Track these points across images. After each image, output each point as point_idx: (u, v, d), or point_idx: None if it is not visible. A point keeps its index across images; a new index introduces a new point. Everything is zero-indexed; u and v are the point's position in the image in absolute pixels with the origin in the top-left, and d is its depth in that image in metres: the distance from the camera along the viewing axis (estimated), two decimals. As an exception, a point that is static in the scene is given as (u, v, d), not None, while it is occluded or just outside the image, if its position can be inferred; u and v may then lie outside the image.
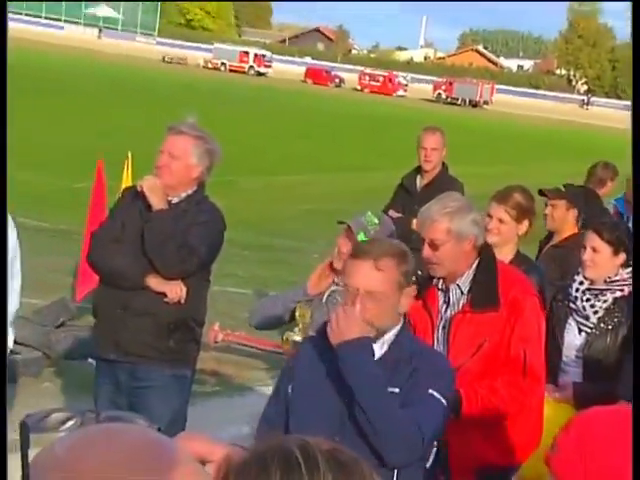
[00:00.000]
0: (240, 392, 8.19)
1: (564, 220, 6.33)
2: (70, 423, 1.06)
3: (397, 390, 3.32)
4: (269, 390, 7.68)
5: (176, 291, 4.85)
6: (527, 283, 4.50)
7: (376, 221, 4.57)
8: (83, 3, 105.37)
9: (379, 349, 3.42)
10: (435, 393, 3.30)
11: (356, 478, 1.44)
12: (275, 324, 4.92)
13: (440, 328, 4.25)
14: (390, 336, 3.43)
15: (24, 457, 1.02)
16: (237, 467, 1.44)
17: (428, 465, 3.54)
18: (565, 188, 6.44)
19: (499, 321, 4.18)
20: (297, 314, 4.35)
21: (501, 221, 5.34)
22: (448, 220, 4.21)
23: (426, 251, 4.21)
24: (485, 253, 4.32)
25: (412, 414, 3.26)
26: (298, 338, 4.32)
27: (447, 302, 4.26)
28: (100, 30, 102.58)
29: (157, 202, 4.85)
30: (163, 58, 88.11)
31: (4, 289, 4.59)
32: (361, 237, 4.48)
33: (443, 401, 3.31)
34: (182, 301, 4.87)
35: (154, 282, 4.85)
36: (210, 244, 4.97)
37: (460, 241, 4.20)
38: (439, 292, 4.30)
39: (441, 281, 4.29)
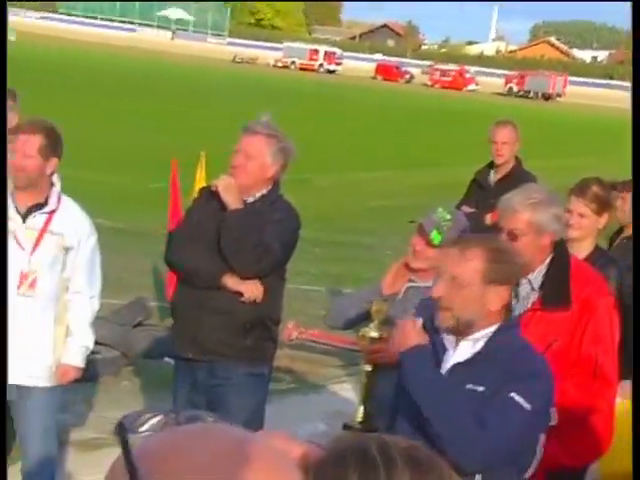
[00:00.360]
0: (315, 390, 8.20)
1: None
2: (154, 421, 1.06)
3: (481, 388, 3.27)
4: (344, 387, 7.72)
5: (252, 290, 4.86)
6: (602, 282, 4.41)
7: (448, 217, 4.51)
8: (155, 4, 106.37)
9: (470, 347, 3.37)
10: (517, 397, 3.20)
11: (434, 476, 1.43)
12: (351, 324, 4.89)
13: None
14: (483, 334, 3.36)
15: (128, 456, 1.02)
16: (315, 465, 1.43)
17: (527, 475, 3.46)
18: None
19: (570, 321, 4.11)
20: (373, 310, 4.30)
21: (582, 215, 5.26)
22: (530, 211, 4.13)
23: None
24: (560, 249, 4.24)
25: (482, 417, 3.20)
26: (374, 334, 4.27)
27: (516, 296, 4.19)
28: (174, 32, 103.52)
29: (232, 202, 4.86)
30: (234, 58, 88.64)
31: (4, 288, 4.63)
32: (435, 235, 4.43)
33: (526, 406, 3.20)
34: (258, 300, 4.88)
35: (231, 281, 4.87)
36: (285, 242, 4.96)
37: (539, 234, 4.13)
38: None
39: None
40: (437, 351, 3.46)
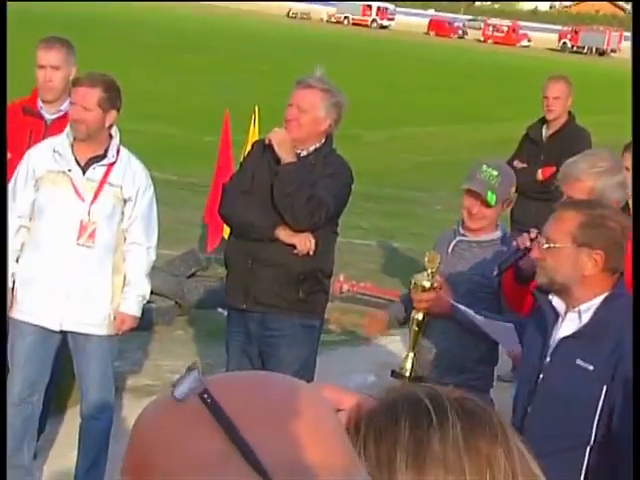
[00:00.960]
0: (365, 342, 8.21)
1: None
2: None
3: (591, 367, 3.23)
4: (394, 340, 7.71)
5: (305, 243, 4.87)
6: None
7: (495, 173, 4.46)
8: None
9: (576, 320, 3.34)
10: None
11: (485, 427, 1.43)
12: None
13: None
14: (589, 306, 3.32)
15: (220, 413, 1.03)
16: (367, 415, 1.44)
17: None
18: None
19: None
20: (426, 259, 4.31)
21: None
22: (594, 180, 4.10)
23: None
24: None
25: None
26: (427, 283, 4.28)
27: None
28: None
29: (286, 155, 4.87)
30: (288, 13, 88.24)
31: (4, 286, 4.67)
32: (490, 197, 4.39)
33: None
34: (311, 253, 4.89)
35: (284, 234, 4.88)
36: (338, 196, 4.96)
37: (605, 200, 4.01)
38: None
39: None
40: (545, 314, 3.44)
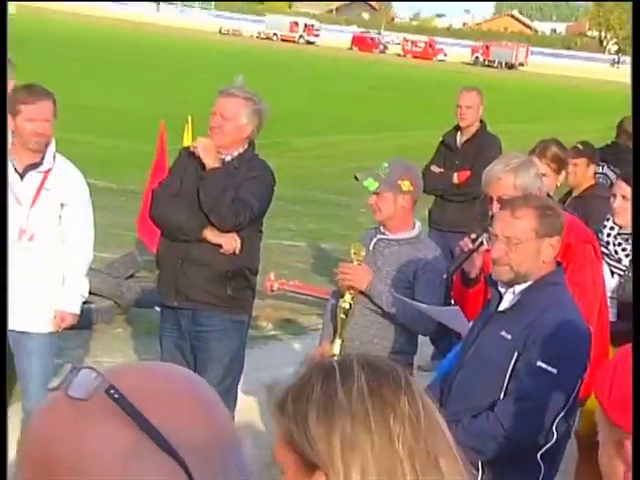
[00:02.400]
0: (296, 336, 8.22)
1: (584, 176, 6.41)
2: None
3: (509, 337, 3.37)
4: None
5: (231, 242, 4.87)
6: (584, 231, 4.46)
7: (385, 165, 4.50)
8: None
9: (510, 299, 3.44)
10: (543, 364, 3.28)
11: (389, 377, 1.49)
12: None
13: None
14: (521, 287, 3.43)
15: (128, 406, 1.01)
16: (288, 384, 1.52)
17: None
18: (583, 146, 6.49)
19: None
20: (352, 251, 4.35)
21: (543, 175, 5.28)
22: (513, 176, 4.18)
23: (495, 207, 4.14)
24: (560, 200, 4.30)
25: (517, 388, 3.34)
26: (346, 305, 4.37)
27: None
28: (158, 3, 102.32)
29: (211, 161, 4.87)
30: (220, 30, 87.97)
31: (4, 287, 4.58)
32: (369, 182, 4.43)
33: (550, 369, 3.28)
34: (237, 252, 4.87)
35: (210, 235, 4.87)
36: (261, 198, 4.96)
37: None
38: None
39: None
40: (492, 297, 3.57)
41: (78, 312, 5.07)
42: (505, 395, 3.39)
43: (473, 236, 4.05)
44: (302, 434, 1.45)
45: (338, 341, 4.44)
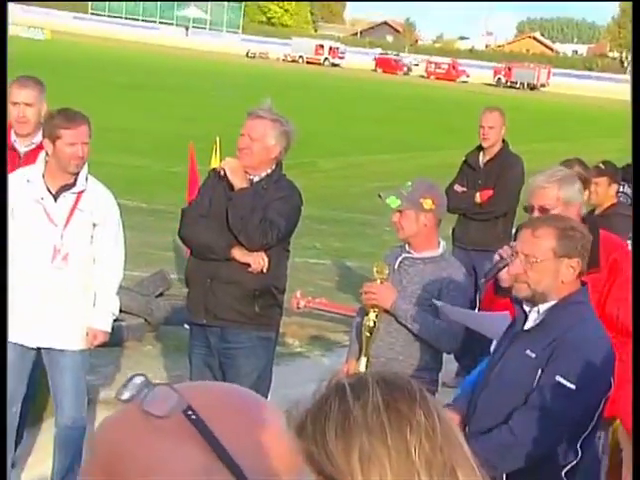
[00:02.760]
0: (323, 353, 8.21)
1: (606, 195, 6.44)
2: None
3: (533, 355, 3.35)
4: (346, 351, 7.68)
5: (259, 261, 4.88)
6: (626, 248, 4.44)
7: (408, 184, 4.50)
8: (175, 4, 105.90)
9: (534, 318, 3.42)
10: (562, 380, 3.25)
11: (404, 392, 1.48)
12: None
13: None
14: (546, 306, 3.40)
15: (209, 435, 1.01)
16: (308, 406, 1.49)
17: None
18: (604, 165, 6.48)
19: (599, 282, 4.12)
20: (375, 269, 4.34)
21: None
22: (557, 187, 4.18)
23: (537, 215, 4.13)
24: (589, 219, 4.30)
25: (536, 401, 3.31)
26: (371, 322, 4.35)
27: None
28: (187, 29, 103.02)
29: (239, 182, 4.89)
30: (247, 53, 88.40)
31: (4, 288, 4.60)
32: (391, 200, 4.44)
33: (568, 385, 3.25)
34: (264, 270, 4.88)
35: (239, 254, 4.88)
36: (288, 218, 4.97)
37: (568, 207, 4.16)
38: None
39: None
40: (516, 315, 3.53)
41: (109, 330, 5.09)
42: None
43: (513, 243, 4.01)
44: (322, 453, 1.44)
45: (364, 359, 4.43)
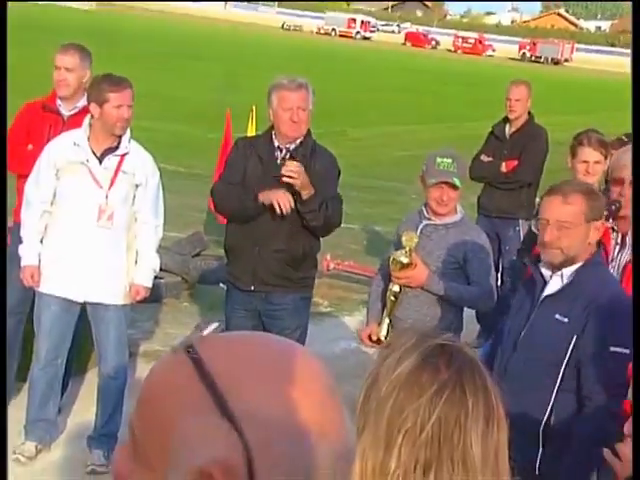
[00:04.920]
0: (349, 313, 8.22)
1: None
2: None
3: (566, 320, 3.30)
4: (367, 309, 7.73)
5: (284, 201, 4.70)
6: None
7: (449, 161, 4.41)
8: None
9: (558, 282, 3.39)
10: (617, 349, 3.21)
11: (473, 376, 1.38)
12: None
13: (613, 270, 3.98)
14: (569, 270, 3.37)
15: (203, 370, 0.94)
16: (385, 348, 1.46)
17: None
18: (626, 137, 6.35)
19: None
20: (404, 238, 4.28)
21: (597, 162, 5.21)
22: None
23: (628, 190, 3.99)
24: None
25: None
26: (405, 260, 4.26)
27: (620, 244, 4.05)
28: (225, 2, 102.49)
29: (307, 191, 4.73)
30: (282, 25, 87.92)
31: (4, 288, 4.59)
32: (457, 181, 4.37)
33: (623, 351, 3.17)
34: (288, 209, 4.72)
35: (262, 197, 4.76)
36: (336, 186, 4.97)
37: None
38: (613, 233, 4.07)
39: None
40: (535, 280, 3.49)
41: (150, 286, 5.11)
42: (562, 380, 3.32)
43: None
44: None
45: (386, 321, 4.40)
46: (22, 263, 4.91)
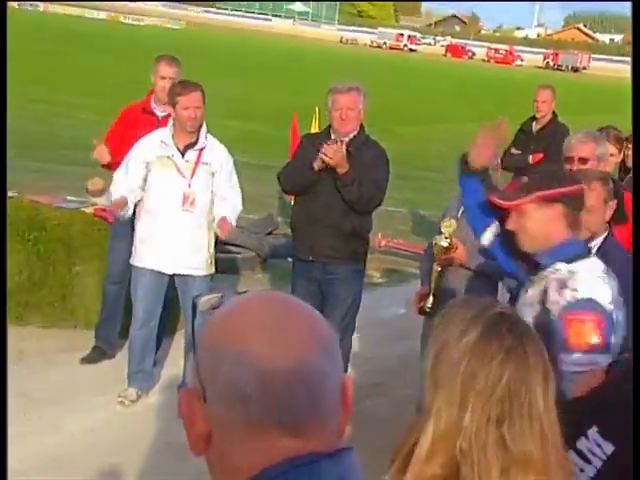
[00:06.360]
0: (398, 284, 8.13)
1: None
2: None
3: None
4: (418, 283, 7.66)
5: (335, 155, 4.54)
6: None
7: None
8: (284, 2, 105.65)
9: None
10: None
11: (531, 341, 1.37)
12: None
13: None
14: (595, 242, 3.31)
15: (192, 326, 0.99)
16: (449, 308, 1.46)
17: None
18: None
19: (625, 233, 3.93)
20: (444, 224, 4.15)
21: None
22: (594, 142, 4.08)
23: (576, 166, 3.99)
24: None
25: None
26: (444, 244, 4.13)
27: None
28: (294, 20, 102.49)
29: (343, 169, 4.60)
30: (340, 40, 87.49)
31: (4, 288, 4.47)
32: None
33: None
34: (337, 162, 4.56)
35: (317, 165, 4.63)
36: (384, 179, 4.83)
37: (599, 162, 4.02)
38: None
39: None
40: None
41: (234, 224, 4.97)
42: None
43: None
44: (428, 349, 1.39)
45: (431, 298, 4.27)
46: (112, 198, 4.79)
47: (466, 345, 1.33)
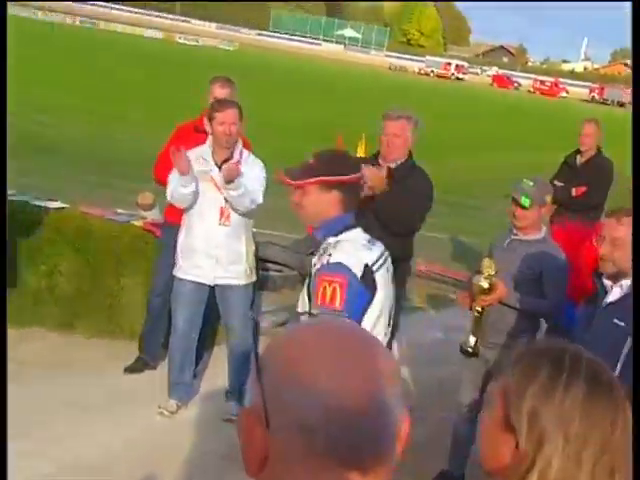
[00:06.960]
0: (436, 309, 8.05)
1: None
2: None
3: (622, 324, 3.14)
4: (456, 310, 7.55)
5: (375, 178, 4.51)
6: None
7: (531, 183, 4.21)
8: (335, 25, 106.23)
9: (618, 292, 3.24)
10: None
11: (605, 401, 1.32)
12: None
13: None
14: (627, 281, 3.21)
15: (255, 346, 0.97)
16: (517, 355, 1.39)
17: None
18: None
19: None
20: (484, 264, 4.04)
21: None
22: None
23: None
24: None
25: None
26: (485, 284, 4.02)
27: None
28: (345, 45, 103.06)
29: (380, 190, 4.60)
30: (389, 67, 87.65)
31: (4, 289, 4.46)
32: (524, 200, 4.17)
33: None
34: (375, 184, 4.53)
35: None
36: (428, 200, 4.80)
37: None
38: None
39: None
40: (598, 293, 3.36)
41: (241, 175, 4.76)
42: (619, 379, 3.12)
43: None
44: (517, 399, 1.33)
45: (471, 338, 4.18)
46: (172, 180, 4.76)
47: (572, 404, 1.32)
